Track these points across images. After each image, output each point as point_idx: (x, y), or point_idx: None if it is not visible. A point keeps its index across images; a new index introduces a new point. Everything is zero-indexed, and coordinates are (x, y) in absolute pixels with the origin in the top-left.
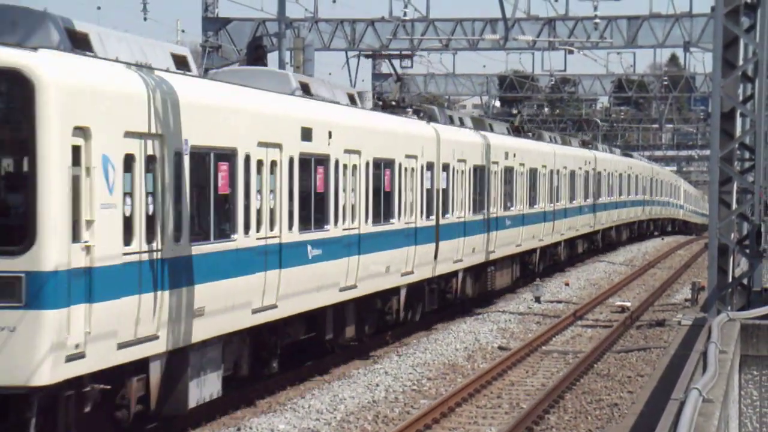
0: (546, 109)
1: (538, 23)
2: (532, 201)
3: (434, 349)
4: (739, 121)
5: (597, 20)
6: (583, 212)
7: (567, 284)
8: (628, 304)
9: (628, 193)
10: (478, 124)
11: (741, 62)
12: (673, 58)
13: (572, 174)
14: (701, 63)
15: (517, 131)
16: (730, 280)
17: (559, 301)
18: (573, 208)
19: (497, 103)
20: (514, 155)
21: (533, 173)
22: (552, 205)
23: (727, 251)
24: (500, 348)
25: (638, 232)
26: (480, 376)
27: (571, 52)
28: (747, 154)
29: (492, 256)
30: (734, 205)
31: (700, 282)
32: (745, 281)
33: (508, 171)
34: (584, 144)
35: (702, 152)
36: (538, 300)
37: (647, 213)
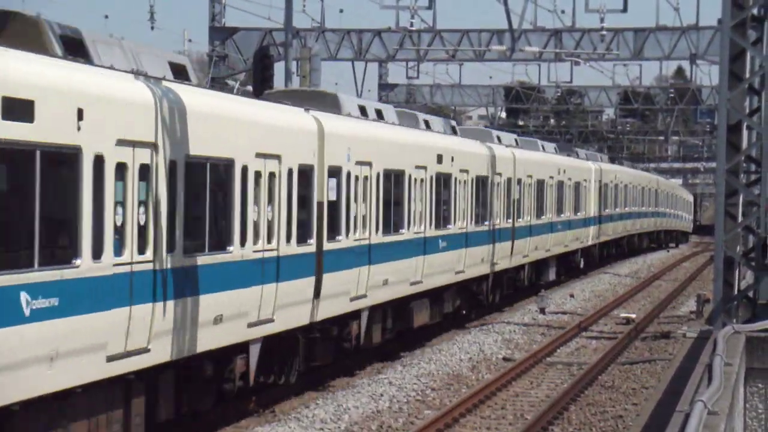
0: (552, 121)
1: (545, 35)
2: (481, 217)
3: (438, 360)
4: (745, 133)
5: (603, 32)
6: (556, 229)
7: (572, 296)
8: (633, 315)
9: (615, 206)
10: (406, 119)
11: (748, 75)
12: (680, 71)
13: (540, 184)
14: (707, 75)
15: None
16: (736, 292)
17: (564, 313)
18: (541, 225)
19: (503, 114)
20: (452, 159)
21: (481, 181)
22: (510, 221)
23: (732, 264)
24: (505, 359)
25: (629, 248)
26: (484, 386)
27: (577, 63)
28: (753, 167)
29: (419, 288)
30: (740, 218)
31: (705, 294)
32: (750, 294)
33: (443, 178)
34: (563, 150)
35: (708, 165)
36: (542, 311)
37: (639, 227)
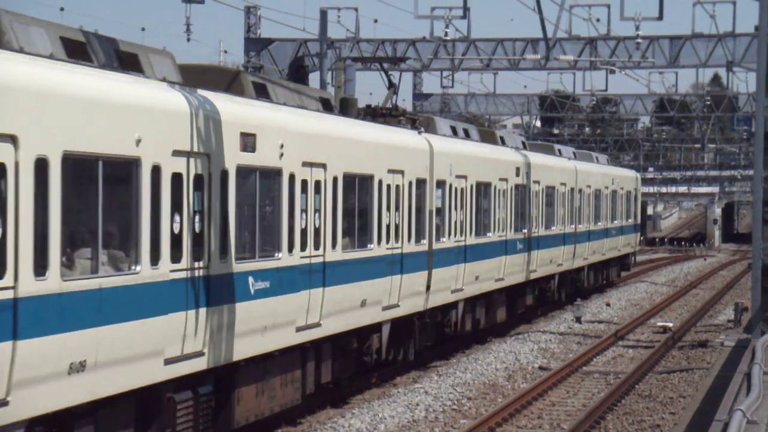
0: (587, 129)
1: (580, 43)
2: (358, 237)
3: (474, 369)
4: None
5: (639, 40)
6: (512, 250)
7: (608, 304)
8: (670, 324)
9: (596, 220)
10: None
11: None
12: (716, 78)
13: (482, 188)
14: (744, 83)
15: (375, 114)
16: None
17: (600, 321)
18: (481, 245)
19: (538, 123)
20: (282, 145)
21: (357, 183)
22: (424, 242)
23: None
24: (541, 368)
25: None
26: (520, 396)
27: (612, 71)
28: None
29: (227, 359)
30: None
31: (743, 303)
32: None
33: (271, 177)
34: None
35: (745, 172)
36: (578, 320)
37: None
